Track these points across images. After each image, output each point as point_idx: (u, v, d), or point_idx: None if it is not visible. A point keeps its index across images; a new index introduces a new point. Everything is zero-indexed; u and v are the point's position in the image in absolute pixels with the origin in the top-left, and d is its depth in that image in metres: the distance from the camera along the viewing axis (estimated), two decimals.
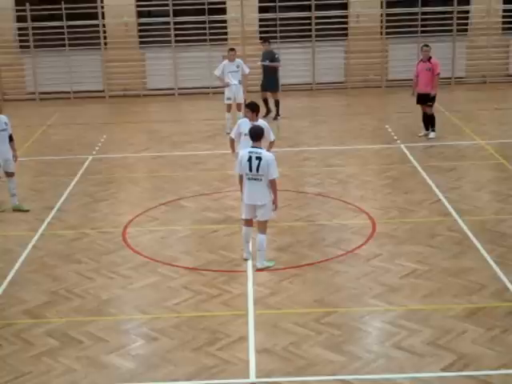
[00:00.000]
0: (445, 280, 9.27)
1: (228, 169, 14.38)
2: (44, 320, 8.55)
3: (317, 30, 22.27)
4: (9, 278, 9.71)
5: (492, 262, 9.70)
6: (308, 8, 22.32)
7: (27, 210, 12.22)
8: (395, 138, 16.24)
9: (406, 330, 8.05)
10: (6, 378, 7.39)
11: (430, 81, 15.83)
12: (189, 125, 18.71)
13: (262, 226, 9.66)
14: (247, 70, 17.23)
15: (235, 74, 16.97)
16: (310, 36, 22.34)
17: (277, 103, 18.67)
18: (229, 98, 17.04)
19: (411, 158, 14.64)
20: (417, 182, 13.18)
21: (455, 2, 22.06)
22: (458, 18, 22.36)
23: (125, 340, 8.11)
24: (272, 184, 9.57)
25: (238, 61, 17.16)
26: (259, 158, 9.49)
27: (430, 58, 15.98)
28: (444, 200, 12.15)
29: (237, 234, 11.01)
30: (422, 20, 22.43)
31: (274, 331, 8.14)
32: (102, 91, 22.51)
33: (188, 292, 9.15)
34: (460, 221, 11.20)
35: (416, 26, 22.36)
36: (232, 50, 17.25)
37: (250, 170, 9.54)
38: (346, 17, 22.61)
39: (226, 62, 17.14)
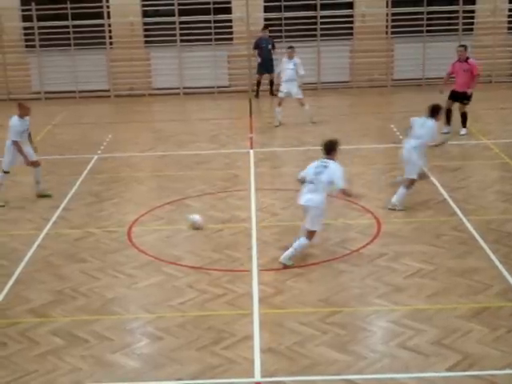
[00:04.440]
0: (450, 280, 9.26)
1: (232, 168, 14.41)
2: (49, 319, 8.57)
3: (322, 29, 22.26)
4: (14, 277, 9.73)
5: (497, 262, 9.68)
6: (313, 7, 22.31)
7: (50, 195, 12.86)
8: (400, 137, 16.20)
9: (411, 330, 8.05)
10: (12, 376, 7.41)
11: (467, 81, 16.04)
12: (194, 124, 18.73)
13: (308, 234, 9.79)
14: (302, 72, 17.82)
15: (291, 71, 17.56)
16: (315, 35, 22.33)
17: (272, 83, 20.90)
18: (281, 92, 17.74)
19: None
20: (422, 182, 13.13)
21: (461, 2, 22.03)
22: (464, 18, 22.32)
23: (130, 339, 8.12)
24: (343, 194, 10.00)
25: (296, 60, 17.70)
26: (325, 167, 9.76)
27: (468, 58, 16.19)
28: (449, 200, 12.13)
29: (241, 233, 11.03)
30: (428, 19, 22.39)
31: (279, 330, 8.14)
32: (108, 91, 22.54)
33: (193, 291, 9.16)
34: (465, 220, 11.19)
35: (421, 25, 22.33)
36: (290, 47, 17.97)
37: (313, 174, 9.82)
38: (351, 16, 22.58)
39: (285, 59, 17.90)
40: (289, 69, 17.61)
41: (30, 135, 12.85)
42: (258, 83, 21.43)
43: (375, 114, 19.04)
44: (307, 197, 9.77)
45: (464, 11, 22.28)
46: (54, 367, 7.56)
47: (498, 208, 11.80)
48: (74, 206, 12.54)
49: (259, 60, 21.22)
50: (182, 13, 22.26)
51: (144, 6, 22.56)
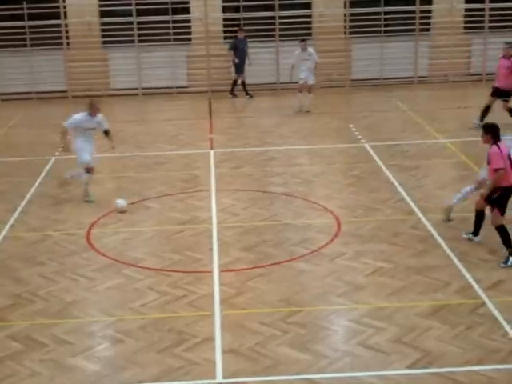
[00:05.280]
0: (409, 278, 9.34)
1: (192, 169, 14.37)
2: (7, 323, 8.44)
3: (281, 29, 22.32)
4: None
5: (456, 260, 9.80)
6: (272, 8, 22.35)
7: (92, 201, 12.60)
8: (359, 137, 16.34)
9: (371, 328, 8.10)
10: None
11: (508, 78, 16.46)
12: (153, 125, 18.62)
13: None
14: (317, 60, 19.40)
15: (307, 61, 19.18)
16: (274, 36, 22.37)
17: (244, 83, 21.43)
18: (301, 78, 19.26)
19: (375, 156, 14.74)
20: (381, 181, 13.26)
21: (417, 2, 22.27)
22: (421, 18, 22.56)
23: (90, 342, 8.04)
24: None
25: (310, 50, 19.24)
26: None
27: (510, 56, 16.62)
28: (408, 198, 12.25)
29: (202, 234, 11.00)
30: (385, 20, 22.57)
31: (241, 331, 8.13)
32: (65, 91, 22.29)
33: (153, 293, 9.10)
34: (424, 219, 11.30)
35: (379, 25, 22.51)
36: (303, 40, 19.40)
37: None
38: (309, 16, 22.68)
39: (298, 51, 19.23)
40: (305, 59, 19.12)
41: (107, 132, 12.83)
42: (235, 82, 21.52)
43: (334, 113, 19.14)
44: None
45: (421, 11, 22.53)
46: (12, 372, 7.45)
47: (455, 206, 11.92)
48: (31, 208, 12.38)
49: (237, 61, 21.24)
50: (139, 13, 22.12)
51: (101, 6, 22.36)
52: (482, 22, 22.66)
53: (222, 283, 9.33)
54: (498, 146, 9.73)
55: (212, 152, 15.40)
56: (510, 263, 9.62)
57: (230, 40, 21.63)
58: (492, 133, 9.81)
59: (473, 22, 22.78)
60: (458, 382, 7.09)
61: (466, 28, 22.85)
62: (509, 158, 9.74)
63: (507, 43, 16.95)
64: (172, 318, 8.47)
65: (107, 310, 8.74)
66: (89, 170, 12.56)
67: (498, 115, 15.98)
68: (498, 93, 16.76)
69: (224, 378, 7.29)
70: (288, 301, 8.82)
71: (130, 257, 10.26)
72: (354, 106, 19.99)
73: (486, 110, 16.71)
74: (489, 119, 14.68)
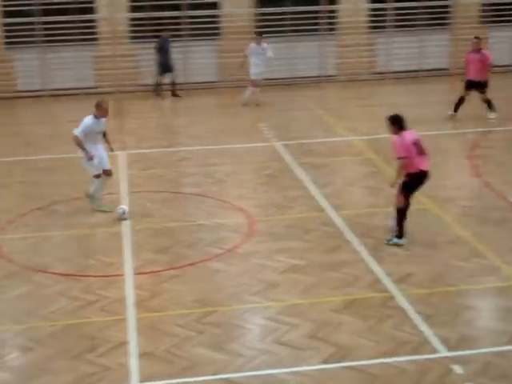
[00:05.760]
0: (322, 274, 9.48)
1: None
2: None
3: (189, 29, 22.25)
4: None
5: (366, 255, 10.00)
6: (179, 7, 22.25)
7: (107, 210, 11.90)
8: (270, 136, 16.45)
9: (286, 325, 8.17)
10: None
11: (480, 70, 16.98)
12: (60, 127, 18.20)
13: None
14: (272, 55, 19.76)
15: (261, 56, 19.60)
16: (181, 35, 22.28)
17: (174, 83, 21.24)
18: (256, 74, 19.71)
19: (286, 155, 14.88)
20: (292, 179, 13.40)
21: (323, 2, 22.59)
22: (327, 18, 22.90)
23: (0, 351, 7.81)
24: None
25: (264, 45, 19.60)
26: None
27: (480, 49, 17.18)
28: (319, 196, 12.41)
29: (114, 236, 10.85)
30: (292, 19, 22.79)
31: (156, 334, 8.07)
32: None
33: (64, 299, 8.92)
34: (334, 215, 11.48)
35: (286, 25, 22.72)
36: (259, 34, 19.99)
37: None
38: (217, 16, 22.70)
39: (253, 45, 19.65)
40: (259, 54, 19.54)
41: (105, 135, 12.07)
42: (159, 84, 21.29)
43: (244, 113, 19.21)
44: None
45: (327, 11, 22.87)
46: None
47: (365, 202, 12.19)
48: None
49: (161, 60, 21.01)
50: (44, 13, 21.62)
51: (4, 6, 21.74)
52: (385, 21, 23.20)
53: (136, 286, 9.23)
54: (402, 135, 10.03)
55: (122, 153, 15.20)
56: (391, 243, 10.17)
57: (156, 40, 21.33)
58: (397, 123, 10.13)
59: (377, 22, 23.28)
60: (371, 374, 7.23)
61: (370, 27, 23.33)
62: (416, 144, 10.05)
63: (476, 38, 17.53)
64: (84, 324, 8.33)
65: (17, 317, 8.51)
66: (107, 173, 12.01)
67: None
68: (472, 85, 17.30)
69: (140, 381, 7.22)
70: (203, 301, 8.81)
71: (39, 263, 10.02)
72: (264, 105, 20.10)
73: (460, 101, 17.35)
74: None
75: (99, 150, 11.86)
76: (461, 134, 16.23)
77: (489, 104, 17.27)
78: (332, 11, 23.11)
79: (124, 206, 11.61)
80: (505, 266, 9.51)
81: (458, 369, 7.21)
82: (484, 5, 23.48)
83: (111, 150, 12.23)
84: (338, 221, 11.24)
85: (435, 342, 7.71)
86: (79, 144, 11.62)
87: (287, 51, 22.71)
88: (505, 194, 12.04)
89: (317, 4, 22.88)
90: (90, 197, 11.94)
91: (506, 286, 9.02)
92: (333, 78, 23.10)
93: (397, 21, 23.26)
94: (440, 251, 10.08)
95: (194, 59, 22.34)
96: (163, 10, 22.52)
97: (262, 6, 22.65)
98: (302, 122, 17.82)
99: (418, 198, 11.39)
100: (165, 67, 21.14)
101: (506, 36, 22.62)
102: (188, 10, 22.28)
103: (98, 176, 11.82)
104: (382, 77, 23.10)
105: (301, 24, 22.82)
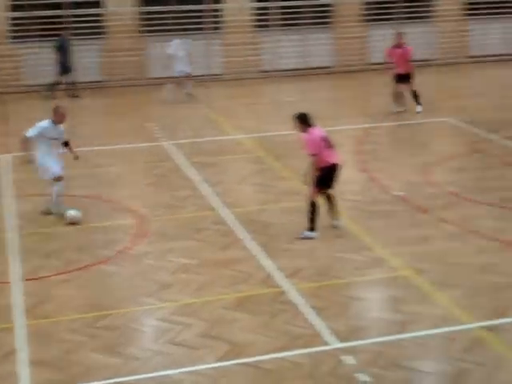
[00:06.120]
0: (214, 272, 9.53)
1: None
2: None
3: (72, 28, 21.81)
4: None
5: (257, 251, 10.12)
6: (60, 6, 21.79)
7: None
8: (159, 135, 16.37)
9: (179, 325, 8.18)
10: None
11: (404, 63, 17.64)
12: None
13: None
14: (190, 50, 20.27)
15: (184, 51, 19.91)
16: (60, 35, 21.74)
17: (73, 83, 21.01)
18: (181, 71, 19.93)
19: (176, 155, 14.85)
20: (183, 178, 13.39)
21: (208, 1, 22.64)
22: (212, 16, 22.97)
23: None
24: None
25: (187, 40, 20.26)
26: None
27: (402, 44, 17.87)
28: (210, 194, 12.46)
29: (0, 242, 10.54)
30: (177, 18, 22.71)
31: (47, 341, 7.90)
32: None
33: None
34: (225, 213, 11.56)
35: (172, 24, 22.63)
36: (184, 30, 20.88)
37: None
38: (101, 15, 22.37)
39: (177, 41, 19.93)
40: (182, 50, 19.83)
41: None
42: (56, 84, 20.82)
43: (133, 113, 19.03)
44: None
45: (212, 10, 22.94)
46: None
47: (255, 199, 12.34)
48: None
49: (61, 60, 20.58)
50: None
51: None
52: (270, 20, 23.49)
53: (24, 293, 9.00)
54: (310, 132, 10.28)
55: (6, 156, 14.75)
56: (303, 236, 10.41)
57: (56, 38, 20.83)
58: (304, 121, 10.39)
59: (262, 21, 23.53)
60: (265, 369, 7.34)
61: (256, 26, 23.54)
62: (324, 139, 10.29)
63: (398, 33, 18.13)
64: None
65: None
66: (59, 179, 11.47)
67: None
68: (400, 78, 17.81)
69: None
70: (96, 305, 8.68)
71: None
72: (152, 105, 19.98)
73: (397, 96, 17.89)
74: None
75: (52, 158, 11.44)
76: (349, 130, 16.65)
77: (415, 97, 17.88)
78: (217, 10, 23.20)
79: (72, 212, 11.19)
80: (391, 257, 9.84)
81: (349, 359, 7.42)
82: (365, 4, 24.16)
83: (76, 157, 11.84)
84: (230, 219, 11.33)
85: (327, 335, 7.90)
86: (23, 144, 11.29)
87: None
88: (390, 189, 12.46)
89: (201, 3, 22.92)
90: (53, 208, 11.56)
91: (393, 277, 9.34)
92: (218, 77, 23.18)
93: (281, 19, 23.61)
94: (329, 245, 10.32)
95: (79, 58, 21.89)
96: (45, 9, 21.97)
97: (147, 5, 22.49)
98: (192, 122, 17.82)
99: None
100: (64, 67, 20.68)
101: (383, 34, 23.51)
102: (70, 8, 21.84)
103: (58, 179, 11.45)
104: (267, 75, 23.38)
105: (186, 23, 22.80)
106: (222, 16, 23.30)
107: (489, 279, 9.14)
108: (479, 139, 15.43)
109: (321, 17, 23.93)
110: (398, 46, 17.96)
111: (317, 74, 23.53)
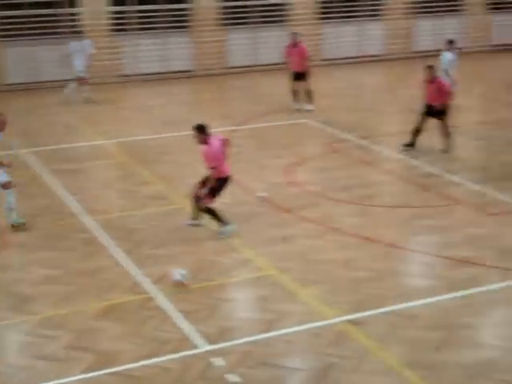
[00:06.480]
0: (79, 282, 9.31)
1: None
2: None
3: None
4: None
5: (123, 258, 9.97)
6: None
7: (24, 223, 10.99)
8: (16, 142, 15.79)
9: (44, 338, 7.93)
10: None
11: (300, 62, 18.14)
12: None
13: None
14: (93, 51, 20.00)
15: (83, 52, 19.67)
16: None
17: None
18: (81, 71, 19.71)
19: (35, 162, 14.39)
20: (43, 187, 12.99)
21: (64, 5, 22.11)
22: (69, 21, 22.44)
23: None
24: None
25: (86, 41, 19.92)
26: None
27: (297, 43, 18.28)
28: (71, 202, 12.16)
29: None
30: (31, 22, 21.98)
31: None
32: None
33: None
34: (88, 221, 11.31)
35: (25, 28, 21.94)
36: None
37: None
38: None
39: (75, 42, 19.74)
40: (81, 51, 19.55)
41: None
42: None
43: None
44: None
45: (70, 14, 22.42)
46: None
47: (119, 206, 12.15)
48: None
49: None
50: None
51: None
52: (127, 24, 23.25)
53: None
54: (210, 144, 10.36)
55: None
56: (223, 235, 10.55)
57: None
58: (203, 132, 10.42)
59: (120, 25, 23.23)
60: (135, 377, 7.25)
61: (113, 30, 23.19)
62: (222, 151, 10.47)
63: (294, 33, 18.55)
64: None
65: None
66: (6, 186, 10.74)
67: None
68: (297, 76, 18.24)
69: None
70: None
71: None
72: (9, 112, 19.25)
73: (296, 93, 18.34)
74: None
75: None
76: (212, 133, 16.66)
77: (308, 95, 18.28)
78: (74, 14, 22.69)
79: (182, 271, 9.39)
80: (257, 258, 9.97)
81: (219, 361, 7.45)
82: (222, 8, 24.34)
83: (10, 163, 11.16)
84: (93, 226, 11.10)
85: (196, 338, 7.90)
86: None
87: (31, 55, 21.97)
88: (253, 190, 12.61)
89: (60, 7, 22.33)
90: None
91: (259, 277, 9.47)
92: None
93: (139, 23, 23.42)
94: (197, 248, 10.33)
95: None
96: None
97: (2, 10, 21.70)
98: (53, 128, 17.31)
99: (173, 198, 11.62)
100: None
101: (241, 38, 23.92)
102: None
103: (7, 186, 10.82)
104: (128, 79, 23.11)
105: (41, 27, 22.12)
106: (78, 20, 22.79)
107: (351, 274, 9.45)
108: (337, 139, 15.91)
109: (178, 21, 23.91)
110: (294, 45, 18.41)
111: (178, 78, 23.50)
